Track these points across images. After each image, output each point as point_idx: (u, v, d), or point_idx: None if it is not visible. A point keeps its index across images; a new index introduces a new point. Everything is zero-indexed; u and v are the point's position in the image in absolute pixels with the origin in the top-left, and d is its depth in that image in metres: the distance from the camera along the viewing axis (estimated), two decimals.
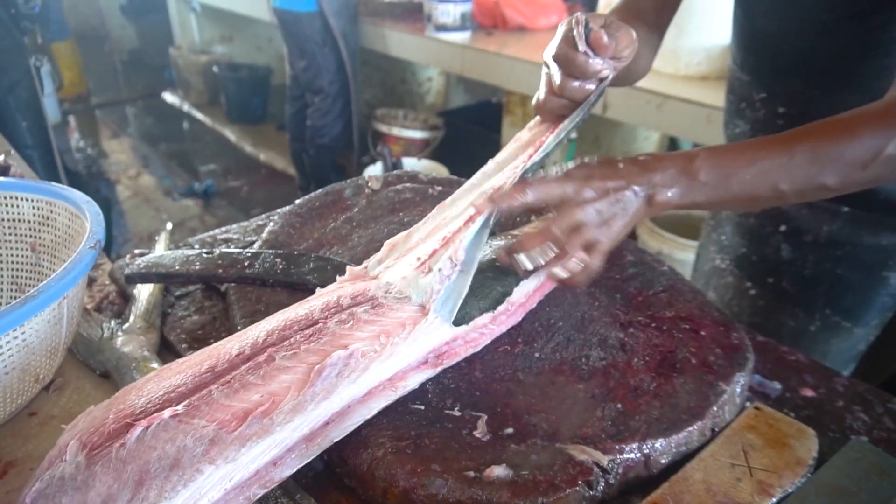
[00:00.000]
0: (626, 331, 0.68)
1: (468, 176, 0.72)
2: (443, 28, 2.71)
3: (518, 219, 0.90)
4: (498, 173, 0.69)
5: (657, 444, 0.55)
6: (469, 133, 3.18)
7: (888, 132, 0.59)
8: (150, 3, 5.35)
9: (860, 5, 0.74)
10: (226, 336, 0.59)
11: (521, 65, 2.37)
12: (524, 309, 0.68)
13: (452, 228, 0.64)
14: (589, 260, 0.62)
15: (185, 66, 4.76)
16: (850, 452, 0.57)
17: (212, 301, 0.79)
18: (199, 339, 0.73)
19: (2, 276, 0.74)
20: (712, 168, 0.63)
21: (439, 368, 0.60)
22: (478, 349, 0.63)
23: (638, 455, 0.55)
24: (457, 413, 0.58)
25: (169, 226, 3.17)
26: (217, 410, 0.49)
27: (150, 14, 5.44)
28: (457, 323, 0.60)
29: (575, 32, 0.66)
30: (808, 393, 0.68)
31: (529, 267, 0.63)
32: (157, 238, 0.88)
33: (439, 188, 0.96)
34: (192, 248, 0.89)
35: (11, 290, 0.74)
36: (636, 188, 0.62)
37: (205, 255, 0.79)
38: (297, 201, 0.94)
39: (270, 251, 0.80)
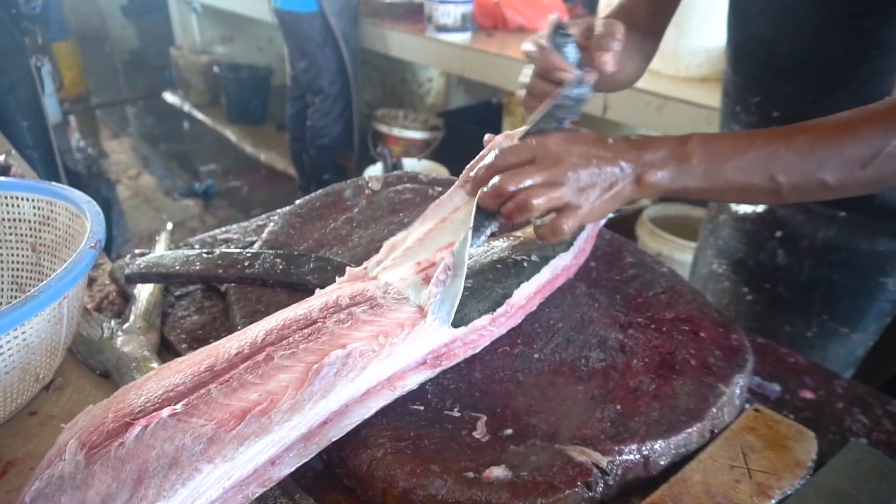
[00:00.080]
0: (625, 332, 0.68)
1: None
2: (443, 29, 2.71)
3: None
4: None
5: (656, 446, 0.55)
6: (469, 134, 3.18)
7: (889, 132, 0.58)
8: (151, 3, 5.36)
9: (852, 9, 0.73)
10: (225, 336, 0.59)
11: (521, 66, 2.35)
12: (524, 311, 0.68)
13: (450, 238, 0.65)
14: (558, 221, 0.60)
15: (185, 66, 4.77)
16: (849, 454, 0.57)
17: (212, 301, 0.79)
18: (199, 339, 0.73)
19: (2, 276, 0.74)
20: (706, 152, 0.61)
21: (438, 369, 0.60)
22: (477, 351, 0.64)
23: (637, 456, 0.55)
24: (456, 414, 0.58)
25: (169, 226, 3.16)
26: (216, 409, 0.49)
27: (151, 14, 5.45)
28: (456, 324, 0.60)
29: (545, 42, 0.67)
30: (808, 395, 0.68)
31: (490, 205, 0.62)
32: (157, 238, 0.88)
33: (439, 189, 0.96)
34: (193, 248, 0.89)
35: (12, 290, 0.74)
36: (623, 164, 0.61)
37: (205, 256, 0.79)
38: (297, 202, 0.94)
39: (270, 251, 0.80)
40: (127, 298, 0.79)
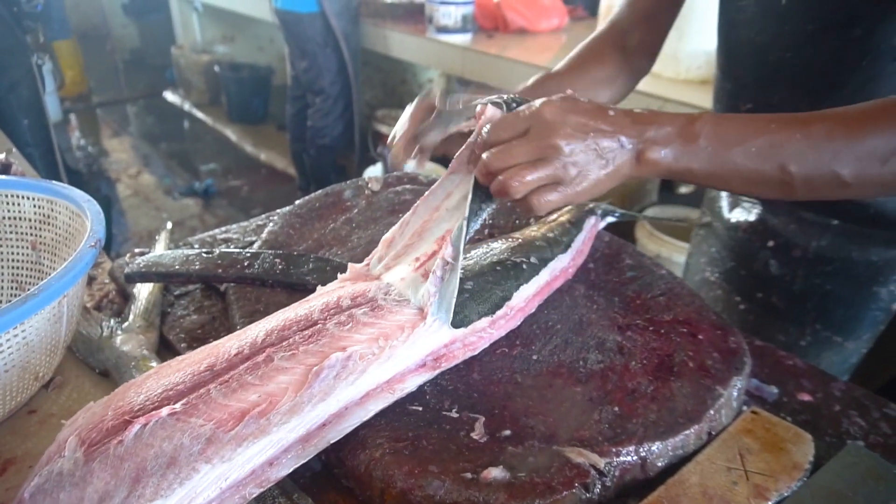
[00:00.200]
0: (623, 334, 0.69)
1: None
2: (444, 30, 2.71)
3: (517, 221, 0.91)
4: None
5: (654, 448, 0.55)
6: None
7: None
8: (152, 2, 5.37)
9: (843, 15, 0.72)
10: (225, 336, 0.60)
11: (521, 67, 2.37)
12: (523, 313, 0.68)
13: (446, 226, 0.64)
14: (540, 195, 0.58)
15: (186, 65, 4.77)
16: (846, 457, 0.57)
17: (211, 301, 0.79)
18: (199, 339, 0.73)
19: (2, 274, 0.74)
20: (715, 133, 0.57)
21: (437, 371, 0.61)
22: (476, 352, 0.64)
23: (635, 458, 0.55)
24: (454, 415, 0.58)
25: (169, 225, 3.16)
26: (214, 410, 0.49)
27: (152, 13, 5.45)
28: (455, 325, 0.60)
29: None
30: (805, 397, 0.68)
31: (484, 183, 0.60)
32: (157, 237, 0.89)
33: None
34: (192, 247, 0.89)
35: (12, 288, 0.75)
36: (623, 139, 0.57)
37: (204, 255, 0.79)
38: (297, 202, 0.94)
39: (270, 251, 0.80)
40: (126, 297, 0.79)
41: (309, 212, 0.92)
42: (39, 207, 0.72)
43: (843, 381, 0.71)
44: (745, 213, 0.95)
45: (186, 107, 4.92)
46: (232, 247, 0.91)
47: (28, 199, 0.72)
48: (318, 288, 0.64)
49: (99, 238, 0.62)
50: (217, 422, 0.48)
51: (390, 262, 0.66)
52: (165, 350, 0.73)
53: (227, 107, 4.56)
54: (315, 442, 0.52)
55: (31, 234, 0.73)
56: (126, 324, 0.72)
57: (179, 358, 0.56)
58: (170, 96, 5.13)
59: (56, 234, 0.72)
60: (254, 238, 0.93)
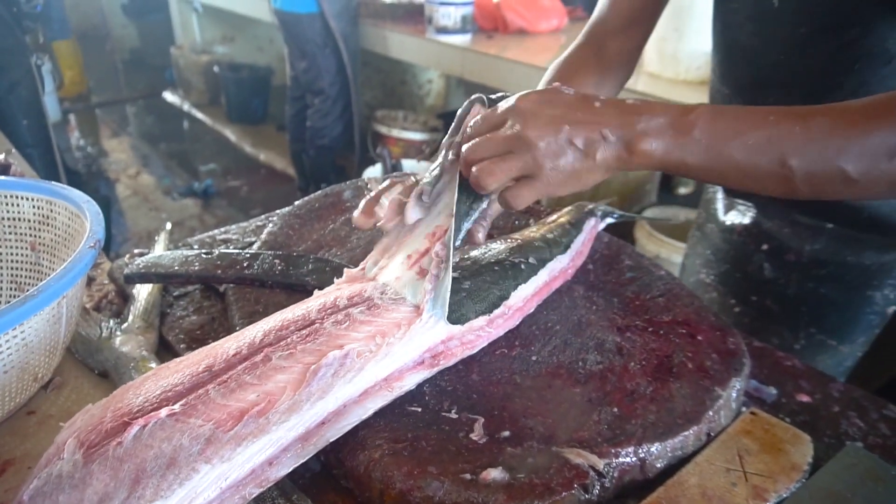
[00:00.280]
0: (623, 335, 0.69)
1: None
2: (443, 30, 2.71)
3: (517, 222, 0.91)
4: None
5: (653, 449, 0.55)
6: None
7: None
8: (152, 2, 5.37)
9: (835, 19, 0.72)
10: (224, 337, 0.60)
11: (521, 68, 2.38)
12: (521, 313, 0.68)
13: (437, 223, 0.64)
14: (513, 191, 0.57)
15: (185, 65, 4.77)
16: (845, 458, 0.57)
17: (210, 301, 0.79)
18: (198, 340, 0.73)
19: (1, 275, 0.74)
20: (711, 125, 0.55)
21: (436, 369, 0.61)
22: (474, 351, 0.64)
23: (634, 459, 0.55)
24: (454, 415, 0.58)
25: (168, 226, 3.17)
26: (213, 410, 0.49)
27: (152, 13, 5.45)
28: (452, 322, 0.60)
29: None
30: (804, 398, 0.68)
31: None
32: (156, 238, 0.89)
33: None
34: (191, 248, 0.89)
35: (11, 289, 0.75)
36: (606, 131, 0.55)
37: (204, 256, 0.79)
38: (297, 203, 0.94)
39: (269, 252, 0.80)
40: (126, 298, 0.79)
41: (308, 212, 0.92)
42: (39, 208, 0.72)
43: (841, 383, 0.71)
44: (739, 216, 0.95)
45: (186, 107, 4.92)
46: (231, 247, 0.91)
47: (27, 199, 0.72)
48: (315, 292, 0.64)
49: (98, 239, 0.62)
50: (216, 422, 0.48)
51: (385, 263, 0.66)
52: (165, 351, 0.73)
53: (226, 107, 4.56)
54: (314, 440, 0.52)
55: (31, 235, 0.73)
56: (125, 324, 0.72)
57: (178, 360, 0.56)
58: (169, 96, 5.13)
59: (55, 234, 0.72)
60: (253, 239, 0.93)
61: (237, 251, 0.81)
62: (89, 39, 5.71)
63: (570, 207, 0.86)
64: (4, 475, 0.57)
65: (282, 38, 3.19)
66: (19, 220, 0.73)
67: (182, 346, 0.72)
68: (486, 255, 0.70)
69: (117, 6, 5.74)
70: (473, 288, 0.64)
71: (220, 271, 0.77)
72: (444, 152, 0.66)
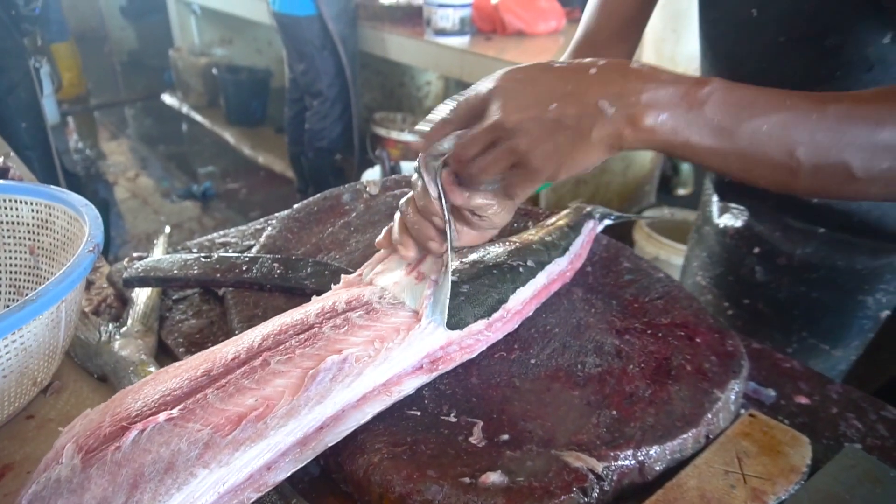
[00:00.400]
0: (621, 337, 0.69)
1: None
2: (442, 32, 2.72)
3: (515, 224, 0.91)
4: None
5: (652, 451, 0.55)
6: None
7: None
8: (150, 4, 5.36)
9: (813, 27, 0.71)
10: (223, 340, 0.60)
11: None
12: (520, 316, 0.68)
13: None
14: (505, 188, 0.53)
15: (184, 67, 4.77)
16: (843, 460, 0.57)
17: (209, 305, 0.79)
18: (197, 343, 0.73)
19: (0, 279, 0.74)
20: (725, 101, 0.50)
21: (435, 374, 0.61)
22: (473, 355, 0.64)
23: (633, 462, 0.55)
24: (453, 419, 0.58)
25: (167, 229, 3.17)
26: (212, 414, 0.49)
27: (150, 15, 5.45)
28: (451, 327, 0.60)
29: (432, 189, 0.57)
30: (803, 400, 0.69)
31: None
32: (155, 241, 0.89)
33: None
34: (191, 252, 0.89)
35: (10, 293, 0.75)
36: (604, 103, 0.49)
37: (203, 260, 0.79)
38: (295, 206, 0.94)
39: (268, 256, 0.80)
40: (125, 302, 0.79)
41: (307, 216, 0.92)
42: (37, 212, 0.72)
43: (839, 384, 0.71)
44: (732, 219, 0.95)
45: (184, 109, 4.92)
46: (230, 251, 0.91)
47: (26, 203, 0.72)
48: (314, 298, 0.64)
49: (97, 243, 0.62)
50: (214, 426, 0.48)
51: (382, 268, 0.66)
52: (164, 355, 0.73)
53: (225, 109, 4.56)
54: (313, 445, 0.52)
55: (30, 239, 0.73)
56: (124, 328, 0.72)
57: (176, 364, 0.56)
58: (168, 99, 5.13)
59: (54, 238, 0.72)
60: (252, 242, 0.93)
61: (236, 255, 0.81)
62: (88, 41, 5.71)
63: (568, 210, 0.86)
64: (3, 479, 0.57)
65: (280, 40, 3.19)
66: (18, 223, 0.73)
67: (181, 349, 0.72)
68: (485, 259, 0.70)
69: (115, 8, 5.74)
70: (472, 292, 0.64)
71: (219, 275, 0.77)
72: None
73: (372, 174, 3.14)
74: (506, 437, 0.56)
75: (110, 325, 0.73)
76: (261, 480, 0.49)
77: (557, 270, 0.74)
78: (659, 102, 0.49)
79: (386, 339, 0.57)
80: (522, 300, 0.68)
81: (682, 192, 2.95)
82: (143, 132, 4.86)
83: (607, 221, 0.88)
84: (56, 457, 0.47)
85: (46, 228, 0.72)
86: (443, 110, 0.57)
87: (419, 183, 0.60)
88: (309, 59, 3.00)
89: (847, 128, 0.50)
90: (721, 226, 0.97)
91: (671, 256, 2.08)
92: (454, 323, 0.60)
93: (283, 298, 0.74)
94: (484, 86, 0.54)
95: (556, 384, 0.62)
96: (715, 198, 1.00)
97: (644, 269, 0.81)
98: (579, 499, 0.52)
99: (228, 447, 0.47)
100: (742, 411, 0.63)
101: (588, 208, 0.86)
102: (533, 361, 0.65)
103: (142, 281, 0.77)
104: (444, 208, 0.59)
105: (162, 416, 0.48)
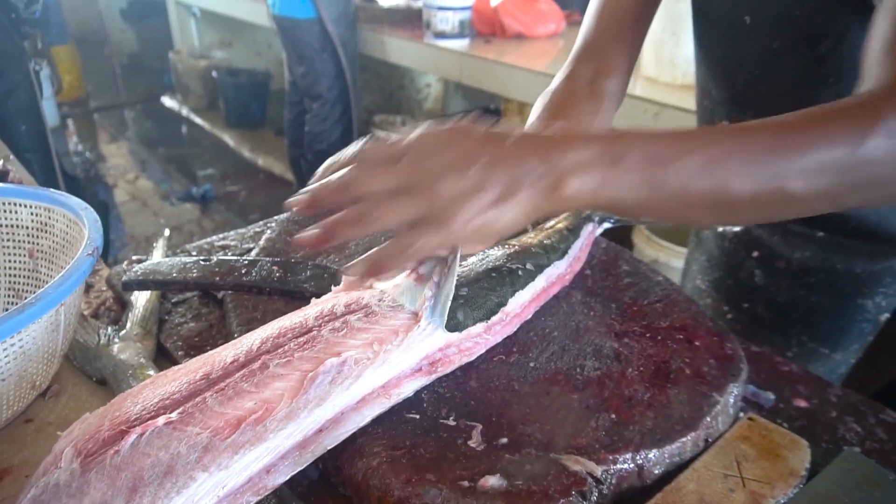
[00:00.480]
0: (620, 341, 0.69)
1: None
2: (441, 35, 2.72)
3: None
4: None
5: (651, 455, 0.56)
6: None
7: (864, 131, 0.48)
8: (150, 7, 5.38)
9: (806, 34, 0.71)
10: (222, 343, 0.60)
11: (518, 72, 2.38)
12: (519, 319, 0.68)
13: None
14: (407, 243, 0.48)
15: (184, 70, 4.78)
16: (842, 463, 0.57)
17: (209, 308, 0.79)
18: (196, 347, 0.73)
19: None
20: (644, 151, 0.49)
21: (434, 376, 0.61)
22: (472, 358, 0.64)
23: (631, 465, 0.55)
24: (452, 422, 0.58)
25: (166, 232, 3.17)
26: (211, 418, 0.49)
27: (150, 18, 5.46)
28: (450, 330, 0.61)
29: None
30: (802, 403, 0.69)
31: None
32: (154, 245, 0.89)
33: None
34: (190, 255, 0.89)
35: (9, 297, 0.75)
36: (526, 171, 0.47)
37: (202, 263, 0.79)
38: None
39: (267, 259, 0.80)
40: (124, 305, 0.79)
41: (307, 219, 0.92)
42: (36, 215, 0.72)
43: (838, 387, 0.71)
44: (713, 226, 0.95)
45: (184, 112, 4.92)
46: (229, 254, 0.91)
47: (25, 206, 0.72)
48: (313, 301, 0.64)
49: (96, 246, 0.62)
50: (213, 430, 0.48)
51: None
52: (163, 358, 0.73)
53: (224, 112, 4.56)
54: (312, 448, 0.52)
55: (29, 242, 0.73)
56: (123, 332, 0.72)
57: (175, 367, 0.56)
58: (168, 101, 5.14)
59: (53, 241, 0.72)
60: (251, 245, 0.93)
61: (235, 258, 0.81)
62: (88, 44, 5.71)
63: (567, 213, 0.86)
64: (2, 484, 0.57)
65: (280, 42, 3.19)
66: (17, 227, 0.73)
67: (180, 353, 0.72)
68: (484, 262, 0.71)
69: (116, 11, 5.75)
70: (471, 295, 0.64)
71: (218, 278, 0.77)
72: None
73: None
74: (505, 440, 0.56)
75: (109, 329, 0.73)
76: (260, 484, 0.49)
77: (556, 273, 0.74)
78: (579, 165, 0.49)
79: (385, 342, 0.57)
80: (521, 303, 0.68)
81: None
82: (143, 135, 4.86)
83: (606, 224, 0.88)
84: (55, 461, 0.47)
85: (46, 231, 0.72)
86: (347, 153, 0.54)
87: None
88: (309, 61, 3.00)
89: (776, 156, 0.49)
90: (720, 229, 0.97)
91: (670, 260, 2.08)
92: (453, 325, 0.61)
93: (283, 301, 0.75)
94: (403, 139, 0.52)
95: (555, 387, 0.62)
96: None
97: (643, 273, 0.81)
98: (578, 502, 0.52)
99: (228, 450, 0.47)
100: (741, 415, 0.63)
101: (587, 211, 0.86)
102: (532, 365, 0.65)
103: (141, 284, 0.77)
104: None
105: (161, 420, 0.48)
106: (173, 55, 4.86)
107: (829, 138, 0.49)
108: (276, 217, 0.96)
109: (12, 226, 0.73)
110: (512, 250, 0.73)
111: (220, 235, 0.96)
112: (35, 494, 0.45)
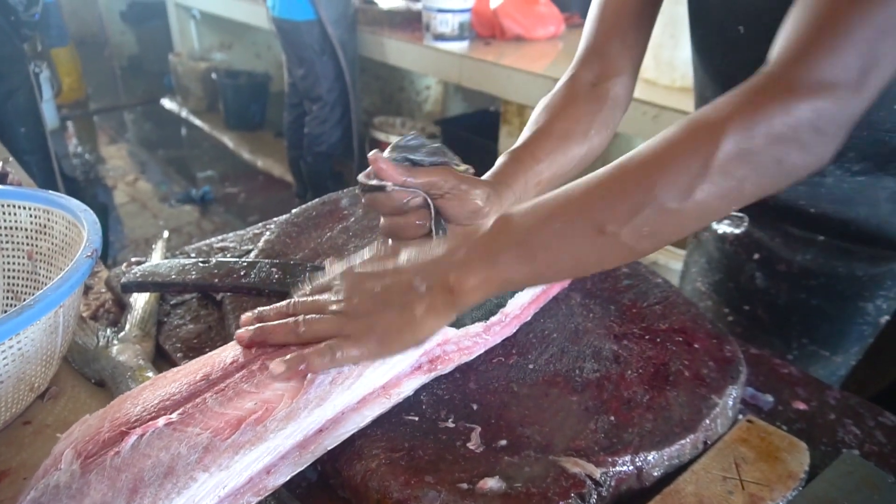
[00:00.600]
0: (619, 343, 0.69)
1: None
2: (441, 37, 2.72)
3: None
4: None
5: (650, 457, 0.56)
6: (466, 142, 3.19)
7: (706, 151, 0.49)
8: (150, 9, 5.37)
9: None
10: (221, 345, 0.60)
11: (518, 74, 2.38)
12: (518, 321, 0.69)
13: None
14: (333, 355, 0.53)
15: (184, 72, 4.78)
16: (841, 466, 0.57)
17: (207, 310, 0.79)
18: (195, 348, 0.73)
19: None
20: (513, 226, 0.54)
21: (433, 374, 0.61)
22: (471, 357, 0.64)
23: (630, 468, 0.55)
24: (451, 425, 0.58)
25: (165, 234, 3.17)
26: (211, 418, 0.49)
27: (150, 20, 5.46)
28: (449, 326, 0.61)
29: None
30: (801, 406, 0.69)
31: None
32: (153, 246, 0.89)
33: None
34: (189, 257, 0.89)
35: (7, 299, 0.75)
36: (418, 281, 0.54)
37: (201, 265, 0.79)
38: (294, 210, 0.95)
39: (266, 261, 0.80)
40: (123, 307, 0.79)
41: (305, 220, 0.92)
42: (36, 217, 0.72)
43: (837, 390, 0.71)
44: (732, 226, 0.95)
45: (184, 113, 4.92)
46: (228, 256, 0.91)
47: (24, 208, 0.72)
48: None
49: (95, 248, 0.62)
50: (214, 430, 0.48)
51: None
52: (162, 360, 0.73)
53: (224, 114, 4.56)
54: (312, 448, 0.52)
55: (28, 244, 0.73)
56: (122, 333, 0.72)
57: (175, 369, 0.56)
58: (167, 103, 5.14)
59: (52, 243, 0.72)
60: (250, 247, 0.93)
61: (234, 260, 0.81)
62: (87, 46, 5.71)
63: None
64: (0, 485, 0.57)
65: (280, 45, 3.19)
66: (16, 229, 0.73)
67: (179, 354, 0.72)
68: None
69: (116, 13, 5.75)
70: None
71: (217, 280, 0.77)
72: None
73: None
74: (504, 442, 0.56)
75: (108, 330, 0.73)
76: (260, 484, 0.49)
77: None
78: (459, 264, 0.54)
79: None
80: (520, 305, 0.68)
81: None
82: (143, 136, 4.86)
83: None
84: (55, 463, 0.47)
85: (45, 234, 0.72)
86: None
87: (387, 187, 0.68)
88: (308, 63, 3.01)
89: (637, 188, 0.51)
90: (720, 232, 0.97)
91: (670, 261, 2.08)
92: (451, 324, 0.61)
93: None
94: (332, 275, 0.60)
95: (555, 389, 0.62)
96: None
97: (642, 275, 0.81)
98: None
99: (228, 451, 0.48)
100: (740, 417, 0.63)
101: None
102: (531, 367, 0.65)
103: (140, 286, 0.77)
104: (429, 203, 0.64)
105: (161, 421, 0.48)
106: (173, 57, 4.86)
107: (676, 166, 0.50)
108: (275, 219, 0.96)
109: (11, 228, 0.73)
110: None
111: (219, 237, 0.96)
112: (35, 496, 0.45)
